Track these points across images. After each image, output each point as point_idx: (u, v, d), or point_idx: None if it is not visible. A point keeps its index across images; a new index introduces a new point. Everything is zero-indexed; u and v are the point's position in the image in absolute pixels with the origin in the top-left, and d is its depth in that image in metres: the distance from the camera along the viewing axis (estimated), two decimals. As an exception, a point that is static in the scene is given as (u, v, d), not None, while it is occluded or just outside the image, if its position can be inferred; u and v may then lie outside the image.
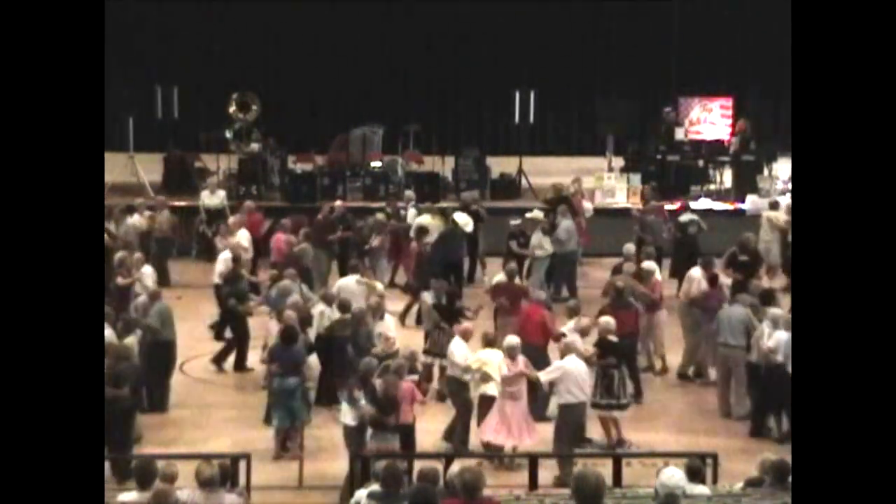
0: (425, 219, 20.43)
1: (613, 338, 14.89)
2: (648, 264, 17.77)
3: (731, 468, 12.99)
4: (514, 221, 21.07)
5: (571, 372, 13.91)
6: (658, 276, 17.77)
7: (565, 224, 20.61)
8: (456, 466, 11.46)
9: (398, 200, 21.99)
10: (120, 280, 17.27)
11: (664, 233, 20.96)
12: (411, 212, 21.25)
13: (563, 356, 14.21)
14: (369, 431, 13.09)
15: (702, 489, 10.75)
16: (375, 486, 10.31)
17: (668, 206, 21.98)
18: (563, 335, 15.15)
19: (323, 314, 15.91)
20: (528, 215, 20.84)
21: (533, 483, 12.38)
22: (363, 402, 13.15)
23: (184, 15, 28.39)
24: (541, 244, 20.07)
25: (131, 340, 14.77)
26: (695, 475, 10.71)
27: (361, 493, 10.52)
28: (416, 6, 28.82)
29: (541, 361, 14.73)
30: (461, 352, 14.64)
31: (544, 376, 14.07)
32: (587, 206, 22.50)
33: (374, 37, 28.82)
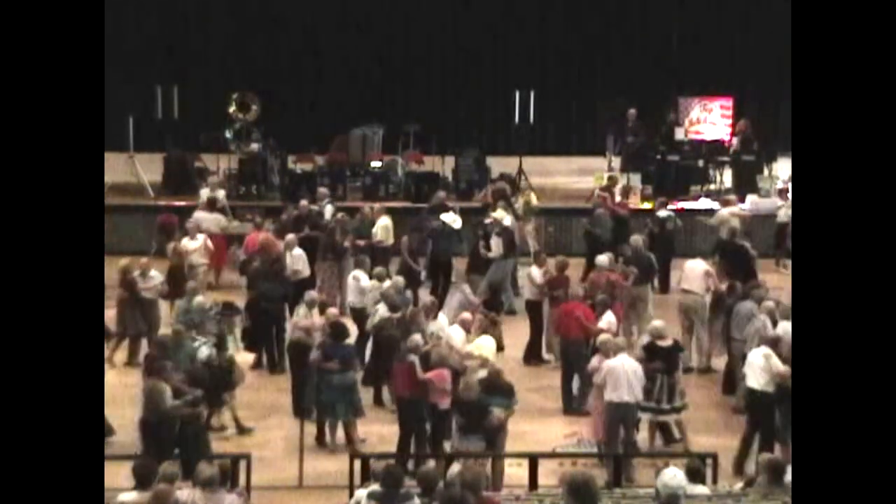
0: (384, 221, 20.41)
1: (665, 342, 14.88)
2: (600, 258, 17.95)
3: (731, 468, 13.02)
4: (488, 221, 21.06)
5: (616, 370, 13.95)
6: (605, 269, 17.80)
7: (508, 219, 20.64)
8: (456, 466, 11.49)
9: (313, 199, 21.81)
10: (142, 285, 17.19)
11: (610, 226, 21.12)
12: (328, 209, 21.20)
13: (609, 354, 14.23)
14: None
15: (702, 489, 10.77)
16: (375, 486, 10.32)
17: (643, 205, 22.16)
18: (603, 331, 15.31)
19: (377, 312, 16.14)
20: (493, 215, 20.84)
21: (533, 483, 12.40)
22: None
23: (184, 15, 28.38)
24: (497, 246, 19.92)
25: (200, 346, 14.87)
26: (695, 475, 10.73)
27: (361, 493, 10.53)
28: (416, 6, 28.81)
29: (580, 357, 15.15)
30: (460, 338, 15.11)
31: (596, 378, 14.18)
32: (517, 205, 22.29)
33: (375, 37, 28.81)
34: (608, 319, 15.80)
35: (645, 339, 15.38)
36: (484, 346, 14.99)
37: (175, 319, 16.30)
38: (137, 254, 20.14)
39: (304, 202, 21.14)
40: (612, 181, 23.03)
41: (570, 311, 16.19)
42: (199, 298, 16.21)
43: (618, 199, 22.26)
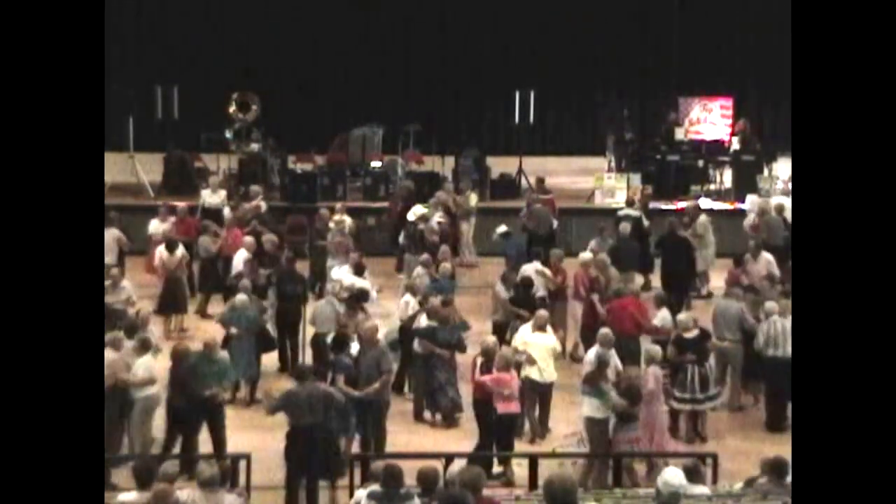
0: (346, 218, 20.41)
1: (692, 333, 14.93)
2: (583, 254, 18.14)
3: (731, 468, 13.02)
4: (412, 218, 21.16)
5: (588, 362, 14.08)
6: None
7: (437, 216, 20.91)
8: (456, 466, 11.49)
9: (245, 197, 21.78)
10: (110, 297, 16.43)
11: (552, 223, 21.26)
12: (263, 206, 21.21)
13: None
14: (612, 423, 13.22)
15: (702, 489, 10.77)
16: (375, 486, 10.31)
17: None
18: (657, 328, 15.44)
19: (408, 304, 16.22)
20: (417, 212, 21.10)
21: (533, 483, 12.40)
22: (613, 393, 13.23)
23: (184, 15, 28.37)
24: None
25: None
26: (695, 475, 10.73)
27: (361, 493, 10.52)
28: (415, 6, 28.81)
29: (635, 352, 15.07)
30: (519, 336, 15.13)
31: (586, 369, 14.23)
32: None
33: (375, 37, 28.82)
34: (662, 316, 15.82)
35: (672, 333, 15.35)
36: (532, 342, 14.96)
37: (220, 320, 16.25)
38: (138, 254, 20.20)
39: (255, 203, 21.08)
40: (540, 183, 23.23)
41: (625, 306, 16.15)
42: (241, 296, 16.11)
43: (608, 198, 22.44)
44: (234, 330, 15.77)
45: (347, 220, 20.60)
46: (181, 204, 21.09)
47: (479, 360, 14.12)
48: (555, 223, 21.79)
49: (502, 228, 20.58)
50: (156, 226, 20.17)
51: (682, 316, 15.51)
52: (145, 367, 13.85)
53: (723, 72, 28.51)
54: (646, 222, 20.90)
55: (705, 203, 24.09)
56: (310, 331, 16.41)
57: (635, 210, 21.09)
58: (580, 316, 17.39)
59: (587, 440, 13.46)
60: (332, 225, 20.27)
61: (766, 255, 18.53)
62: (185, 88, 25.41)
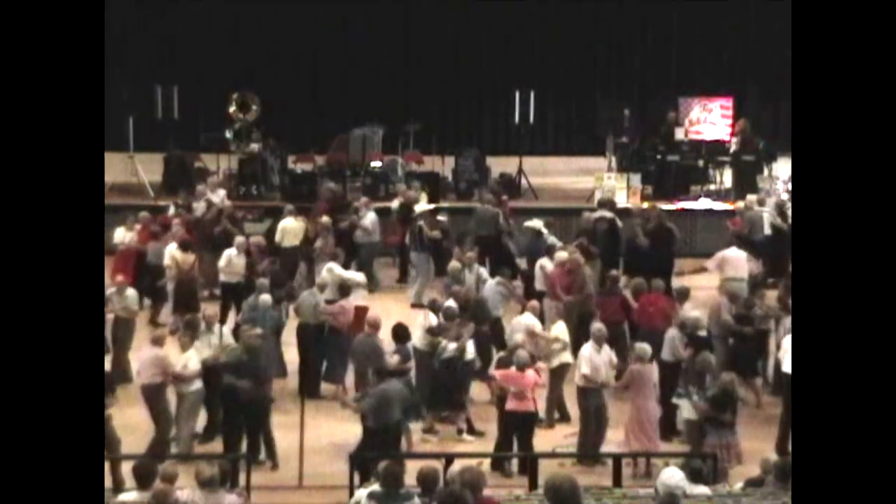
0: (289, 222, 20.28)
1: (703, 333, 14.91)
2: (559, 254, 18.04)
3: (730, 468, 13.02)
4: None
5: (589, 357, 14.13)
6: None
7: (370, 216, 20.97)
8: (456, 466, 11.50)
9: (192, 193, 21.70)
10: (117, 304, 16.41)
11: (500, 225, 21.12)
12: (201, 206, 21.12)
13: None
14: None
15: (702, 489, 10.77)
16: (375, 486, 10.31)
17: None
18: (684, 322, 15.31)
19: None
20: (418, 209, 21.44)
21: (533, 483, 12.40)
22: (696, 397, 13.19)
23: (184, 15, 28.36)
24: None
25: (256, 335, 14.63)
26: (696, 475, 10.74)
27: (361, 493, 10.52)
28: (416, 6, 28.82)
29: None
30: (536, 324, 15.39)
31: (584, 369, 14.21)
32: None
33: (375, 37, 28.80)
34: (687, 310, 15.74)
35: (673, 331, 15.22)
36: (561, 333, 15.14)
37: (241, 317, 16.21)
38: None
39: (226, 203, 21.00)
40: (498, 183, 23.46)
41: (653, 302, 16.17)
42: (264, 296, 16.10)
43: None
44: (259, 330, 15.26)
45: (290, 222, 20.34)
46: (145, 212, 20.59)
47: (500, 355, 14.22)
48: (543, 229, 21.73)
49: (538, 225, 20.48)
50: (121, 234, 19.72)
51: (695, 313, 15.34)
52: (195, 361, 14.03)
53: (723, 72, 28.50)
54: (619, 223, 20.81)
55: (705, 203, 24.11)
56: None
57: (608, 212, 21.01)
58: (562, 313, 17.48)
59: (686, 440, 13.41)
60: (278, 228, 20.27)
61: (739, 253, 18.44)
62: (185, 88, 25.39)
